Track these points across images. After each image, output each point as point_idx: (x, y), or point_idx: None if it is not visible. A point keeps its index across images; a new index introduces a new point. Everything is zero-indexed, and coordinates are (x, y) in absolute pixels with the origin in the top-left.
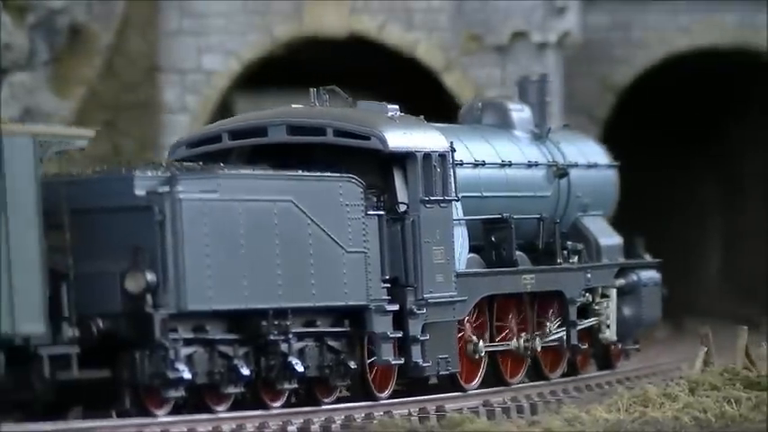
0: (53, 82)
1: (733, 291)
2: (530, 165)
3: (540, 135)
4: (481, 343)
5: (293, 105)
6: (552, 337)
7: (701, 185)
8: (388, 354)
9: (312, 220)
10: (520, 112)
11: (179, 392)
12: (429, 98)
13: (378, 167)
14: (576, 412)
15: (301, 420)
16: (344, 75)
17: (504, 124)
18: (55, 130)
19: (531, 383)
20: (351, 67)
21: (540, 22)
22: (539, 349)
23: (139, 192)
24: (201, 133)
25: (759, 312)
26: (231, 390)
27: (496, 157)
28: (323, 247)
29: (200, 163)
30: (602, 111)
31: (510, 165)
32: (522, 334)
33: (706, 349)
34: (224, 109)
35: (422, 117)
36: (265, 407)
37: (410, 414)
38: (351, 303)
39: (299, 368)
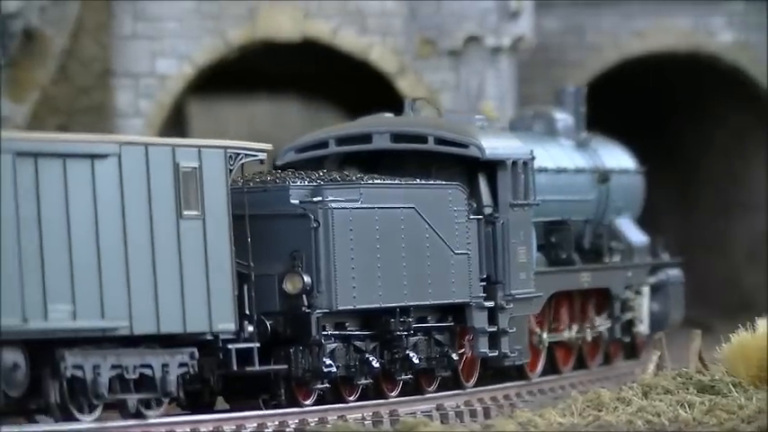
0: (7, 86)
1: (686, 294)
2: (577, 171)
3: (582, 142)
4: (545, 334)
5: (386, 114)
6: (598, 329)
7: (656, 190)
8: (484, 346)
9: (429, 225)
10: (565, 121)
11: (324, 384)
12: (381, 102)
13: (463, 173)
14: (529, 416)
15: (255, 425)
16: (298, 79)
17: (551, 132)
18: (240, 143)
19: (489, 387)
20: (304, 71)
21: (493, 26)
22: (588, 339)
23: (294, 200)
24: (309, 139)
25: (712, 316)
26: (363, 381)
27: (552, 163)
28: (437, 250)
29: (345, 173)
30: None
31: (565, 171)
32: (573, 325)
33: (659, 353)
34: (177, 113)
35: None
36: (384, 396)
37: (364, 418)
38: (457, 301)
39: (416, 360)
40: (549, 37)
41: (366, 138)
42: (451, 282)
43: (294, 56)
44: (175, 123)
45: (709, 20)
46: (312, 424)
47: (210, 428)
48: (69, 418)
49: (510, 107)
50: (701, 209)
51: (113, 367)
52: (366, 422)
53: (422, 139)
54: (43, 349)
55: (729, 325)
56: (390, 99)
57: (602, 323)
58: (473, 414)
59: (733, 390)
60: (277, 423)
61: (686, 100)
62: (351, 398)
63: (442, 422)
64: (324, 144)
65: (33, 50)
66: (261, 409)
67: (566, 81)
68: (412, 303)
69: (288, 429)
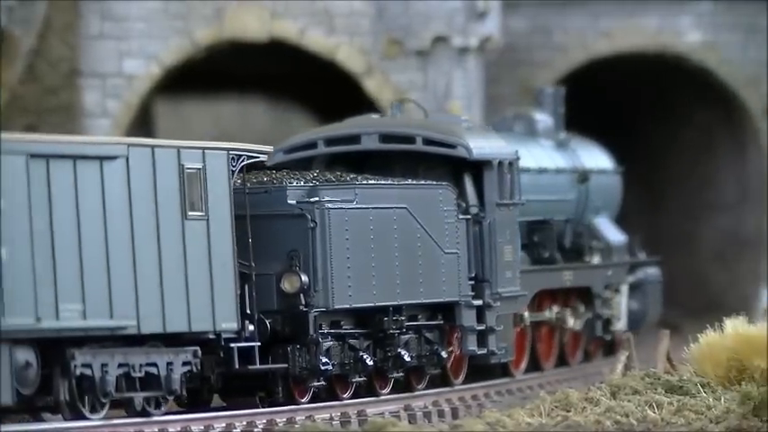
0: None
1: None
2: (558, 171)
3: (561, 143)
4: (526, 313)
5: (372, 116)
6: (581, 320)
7: (624, 190)
8: (473, 344)
9: (421, 225)
10: (545, 122)
11: (321, 382)
12: (349, 102)
13: (449, 173)
14: (498, 416)
15: (224, 425)
16: (265, 79)
17: (531, 132)
18: (243, 145)
19: (463, 387)
20: (271, 71)
21: (461, 26)
22: (570, 323)
23: (291, 201)
24: (298, 140)
25: (680, 316)
26: (356, 378)
27: (534, 163)
28: (428, 249)
29: (339, 174)
30: None
31: (546, 171)
32: (554, 307)
33: (627, 353)
34: (144, 113)
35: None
36: (376, 394)
37: (332, 418)
38: (446, 299)
39: (407, 358)
40: (517, 37)
41: (355, 139)
42: (442, 281)
43: (261, 56)
44: (142, 123)
45: (677, 20)
46: (280, 424)
47: (223, 425)
48: (78, 416)
49: (477, 107)
50: (668, 209)
51: (120, 366)
52: (334, 422)
53: (410, 139)
54: (53, 348)
55: (697, 325)
56: (358, 99)
57: (584, 316)
58: (441, 414)
59: (701, 390)
60: (285, 420)
61: (653, 100)
62: (344, 395)
63: (409, 422)
64: (313, 145)
65: (1, 50)
66: (257, 407)
67: (533, 81)
68: (404, 302)
69: (272, 427)
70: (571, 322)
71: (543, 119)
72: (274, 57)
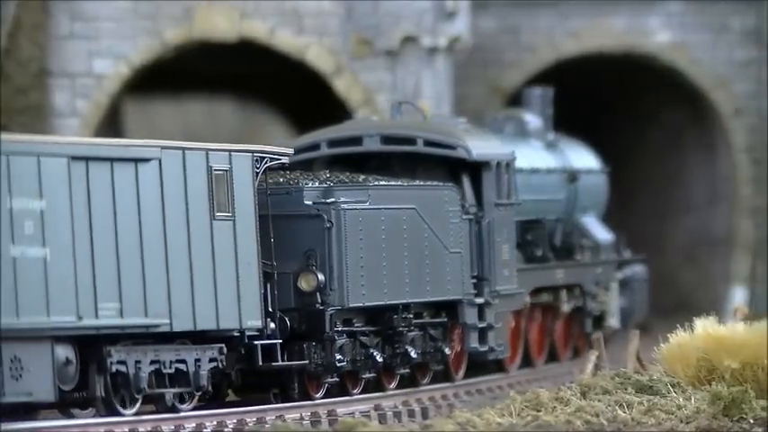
0: None
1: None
2: (549, 171)
3: (551, 143)
4: (527, 297)
5: (373, 117)
6: (571, 306)
7: None
8: (474, 341)
9: (428, 225)
10: (534, 123)
11: (334, 378)
12: (319, 102)
13: (447, 174)
14: (468, 416)
15: (194, 424)
16: (234, 79)
17: (522, 133)
18: (265, 147)
19: (436, 386)
20: (240, 71)
21: (430, 26)
22: (564, 307)
23: (308, 201)
24: (302, 142)
25: (649, 316)
26: (366, 375)
27: (526, 164)
28: (434, 249)
29: (349, 174)
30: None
31: (537, 171)
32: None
33: (597, 353)
34: (114, 113)
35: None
36: (383, 389)
37: (302, 418)
38: (451, 298)
39: (414, 355)
40: (485, 37)
41: (357, 140)
42: (447, 279)
43: (230, 56)
44: (111, 123)
45: (647, 20)
46: (250, 424)
47: (193, 425)
48: (112, 411)
49: (446, 107)
50: (637, 209)
51: (152, 362)
52: (304, 422)
53: (411, 141)
54: (90, 346)
55: (666, 325)
56: (327, 99)
57: (577, 297)
58: (411, 414)
59: (671, 390)
60: (255, 419)
61: (622, 100)
62: (355, 390)
63: (380, 422)
64: (316, 146)
65: None
66: (271, 403)
67: (502, 81)
68: (413, 300)
69: (244, 428)
70: (565, 306)
71: (533, 120)
72: (244, 57)
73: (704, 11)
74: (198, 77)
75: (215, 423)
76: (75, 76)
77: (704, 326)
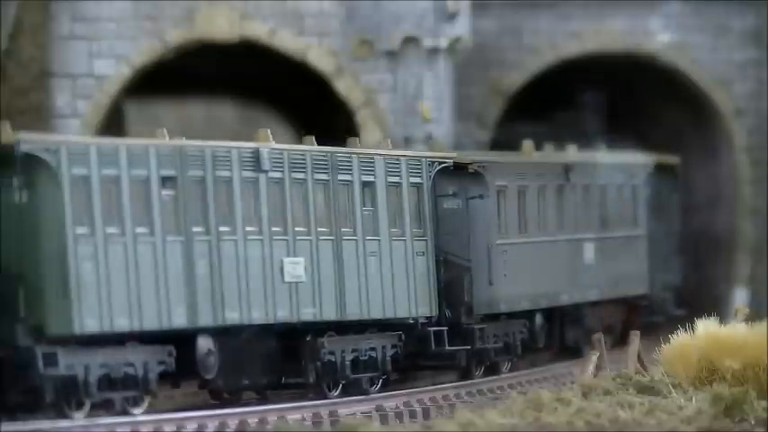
0: None
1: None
2: None
3: None
4: None
5: None
6: None
7: None
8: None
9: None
10: None
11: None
12: (320, 103)
13: None
14: (470, 416)
15: (196, 425)
16: (234, 79)
17: None
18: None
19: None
20: (241, 71)
21: (431, 27)
22: None
23: None
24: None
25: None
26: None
27: None
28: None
29: None
30: (491, 116)
31: None
32: None
33: (598, 354)
34: (114, 114)
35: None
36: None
37: (304, 419)
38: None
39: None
40: (487, 38)
41: None
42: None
43: (231, 57)
44: (111, 124)
45: (647, 21)
46: (252, 424)
47: (195, 425)
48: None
49: (447, 108)
50: None
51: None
52: (306, 422)
53: None
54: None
55: (668, 326)
56: (327, 100)
57: None
58: (413, 414)
59: (672, 390)
60: (257, 420)
61: (623, 100)
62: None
63: (381, 423)
64: None
65: None
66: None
67: (503, 82)
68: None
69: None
70: None
71: None
72: (244, 57)
73: (704, 12)
74: (198, 78)
75: (217, 423)
76: (76, 76)
77: (706, 327)
